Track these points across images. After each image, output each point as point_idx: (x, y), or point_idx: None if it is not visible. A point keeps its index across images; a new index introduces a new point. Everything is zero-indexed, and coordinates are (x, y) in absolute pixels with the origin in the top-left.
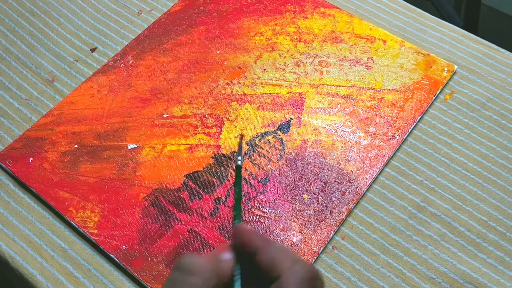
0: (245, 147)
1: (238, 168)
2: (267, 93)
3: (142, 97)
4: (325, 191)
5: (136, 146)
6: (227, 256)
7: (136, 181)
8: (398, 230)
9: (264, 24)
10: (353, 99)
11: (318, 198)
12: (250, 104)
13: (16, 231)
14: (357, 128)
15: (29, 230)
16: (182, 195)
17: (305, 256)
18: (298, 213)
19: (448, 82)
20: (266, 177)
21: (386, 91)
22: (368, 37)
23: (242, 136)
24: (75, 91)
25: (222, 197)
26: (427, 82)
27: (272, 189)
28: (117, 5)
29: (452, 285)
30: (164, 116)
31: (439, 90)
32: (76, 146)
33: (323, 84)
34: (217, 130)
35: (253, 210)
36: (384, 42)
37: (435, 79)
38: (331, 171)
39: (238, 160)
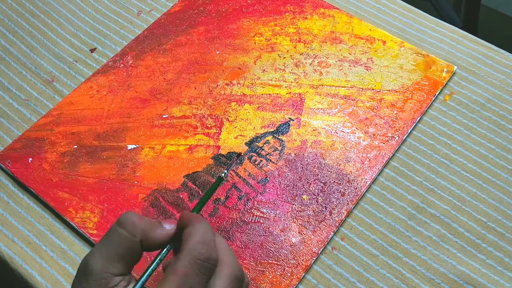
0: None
1: (219, 179)
2: (266, 94)
3: (142, 98)
4: (325, 191)
5: (135, 146)
6: (167, 226)
7: (135, 182)
8: (398, 231)
9: (264, 24)
10: (352, 100)
11: (317, 198)
12: (250, 105)
13: (15, 232)
14: (356, 128)
15: (28, 231)
16: (181, 196)
17: (304, 257)
18: (297, 214)
19: (447, 83)
20: (266, 177)
21: (385, 91)
22: (368, 37)
23: (239, 154)
24: (74, 92)
25: (222, 198)
26: (427, 83)
27: (271, 190)
28: (117, 6)
29: (451, 286)
30: (164, 116)
31: (439, 91)
32: (75, 146)
33: (322, 85)
34: (217, 131)
35: (252, 210)
36: (384, 42)
37: (435, 80)
38: (331, 172)
39: (223, 173)
